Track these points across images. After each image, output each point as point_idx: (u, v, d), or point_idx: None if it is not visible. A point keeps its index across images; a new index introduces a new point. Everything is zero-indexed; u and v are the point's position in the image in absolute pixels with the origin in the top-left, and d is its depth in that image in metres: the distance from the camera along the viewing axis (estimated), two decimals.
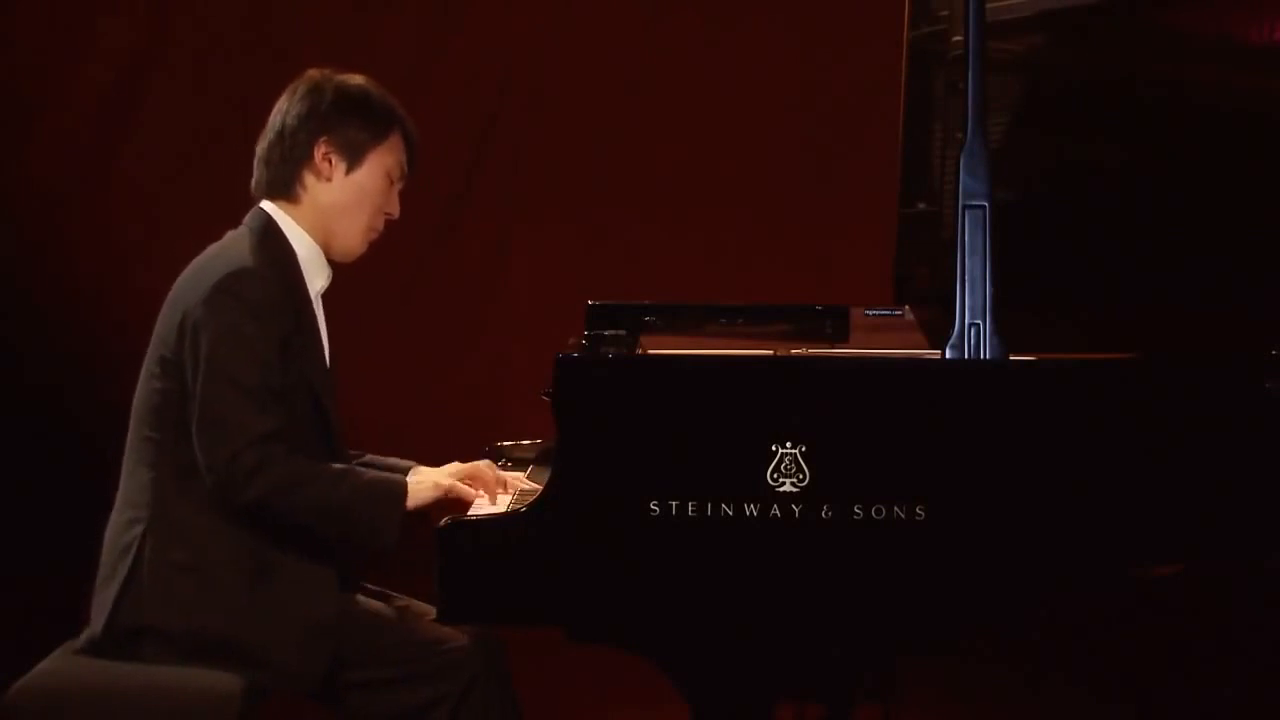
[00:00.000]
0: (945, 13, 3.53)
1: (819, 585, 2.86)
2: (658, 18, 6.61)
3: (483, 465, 3.28)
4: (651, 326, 3.69)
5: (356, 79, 3.28)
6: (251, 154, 3.26)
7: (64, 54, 6.55)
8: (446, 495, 3.14)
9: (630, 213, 6.59)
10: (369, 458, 3.40)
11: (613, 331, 3.55)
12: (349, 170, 3.22)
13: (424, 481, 3.16)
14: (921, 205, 3.64)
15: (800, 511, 2.84)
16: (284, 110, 3.24)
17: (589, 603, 2.89)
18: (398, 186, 3.29)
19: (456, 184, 6.61)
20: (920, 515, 2.84)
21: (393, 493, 3.11)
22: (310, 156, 3.21)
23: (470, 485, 3.20)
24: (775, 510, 2.84)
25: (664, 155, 6.57)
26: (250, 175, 3.27)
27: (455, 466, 3.25)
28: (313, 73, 3.28)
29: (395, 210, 3.29)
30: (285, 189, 3.23)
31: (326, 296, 3.28)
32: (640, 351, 3.48)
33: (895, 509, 2.84)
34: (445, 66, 6.58)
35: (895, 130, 3.69)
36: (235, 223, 3.25)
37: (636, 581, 2.87)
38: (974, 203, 2.91)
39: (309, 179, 3.22)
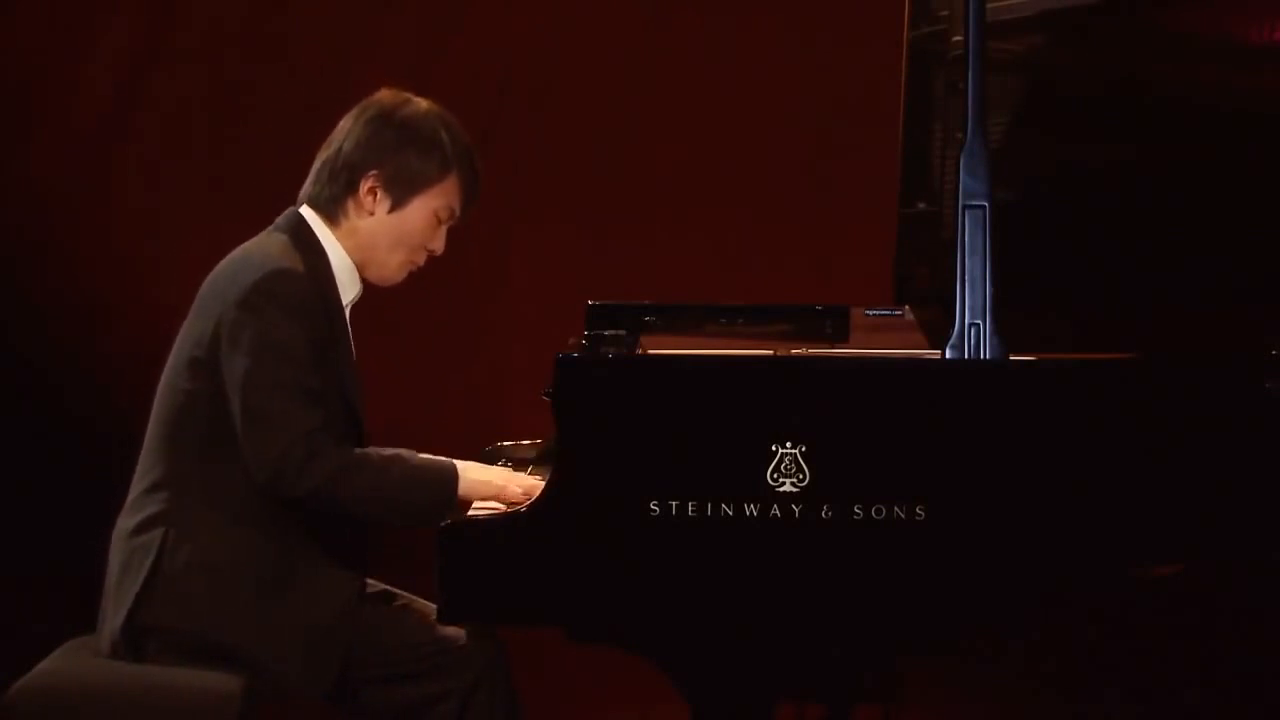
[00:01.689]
0: (945, 13, 3.53)
1: (819, 585, 2.87)
2: (658, 18, 6.60)
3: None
4: (651, 326, 3.69)
5: (426, 109, 3.21)
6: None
7: (64, 54, 6.54)
8: (499, 498, 3.10)
9: (630, 213, 6.57)
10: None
11: (613, 331, 3.55)
12: (391, 209, 3.19)
13: (481, 479, 3.12)
14: (921, 205, 3.64)
15: (800, 511, 2.84)
16: (346, 130, 3.20)
17: (589, 603, 2.89)
18: (447, 225, 3.25)
19: None
20: (920, 515, 2.84)
21: (443, 477, 3.10)
22: (356, 188, 3.18)
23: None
24: (775, 510, 2.84)
25: (664, 155, 6.55)
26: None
27: (511, 473, 3.21)
28: (385, 96, 3.22)
29: (440, 248, 3.26)
30: (328, 208, 3.20)
31: None
32: (640, 351, 3.47)
33: (895, 509, 2.84)
34: (445, 66, 6.55)
35: (895, 130, 3.69)
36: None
37: (636, 581, 2.87)
38: (974, 203, 2.91)
39: (351, 208, 3.20)
